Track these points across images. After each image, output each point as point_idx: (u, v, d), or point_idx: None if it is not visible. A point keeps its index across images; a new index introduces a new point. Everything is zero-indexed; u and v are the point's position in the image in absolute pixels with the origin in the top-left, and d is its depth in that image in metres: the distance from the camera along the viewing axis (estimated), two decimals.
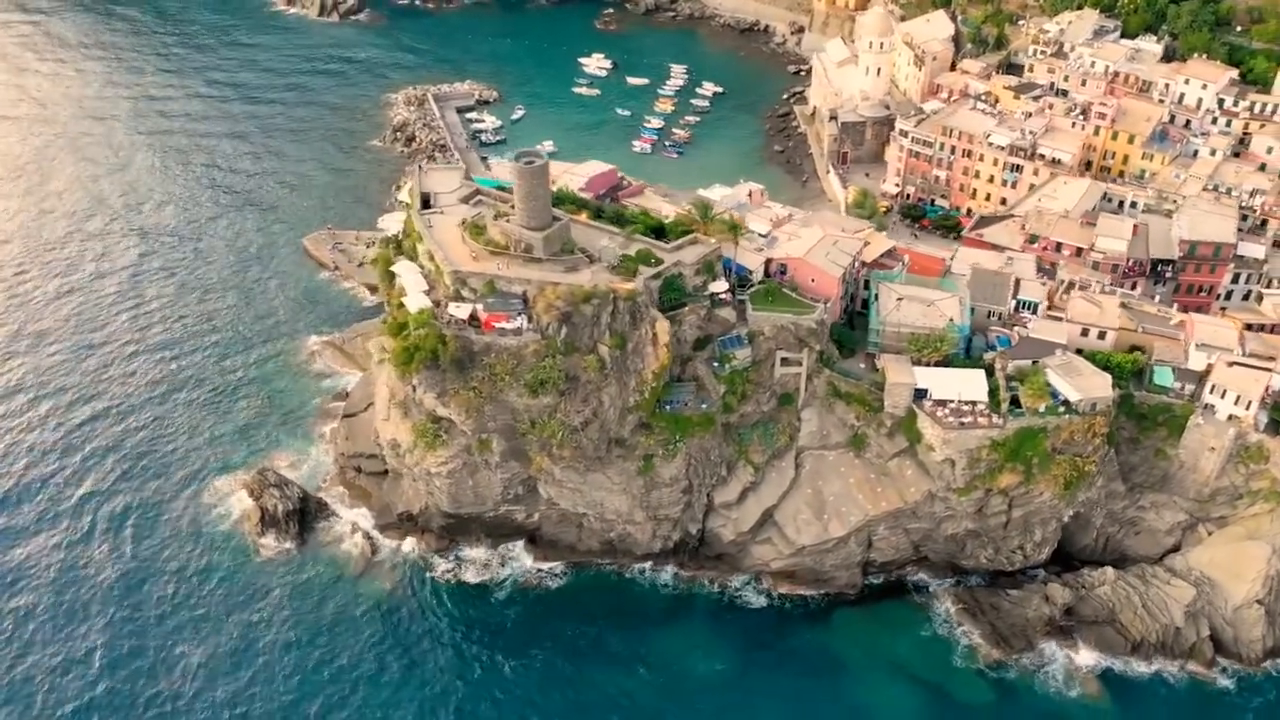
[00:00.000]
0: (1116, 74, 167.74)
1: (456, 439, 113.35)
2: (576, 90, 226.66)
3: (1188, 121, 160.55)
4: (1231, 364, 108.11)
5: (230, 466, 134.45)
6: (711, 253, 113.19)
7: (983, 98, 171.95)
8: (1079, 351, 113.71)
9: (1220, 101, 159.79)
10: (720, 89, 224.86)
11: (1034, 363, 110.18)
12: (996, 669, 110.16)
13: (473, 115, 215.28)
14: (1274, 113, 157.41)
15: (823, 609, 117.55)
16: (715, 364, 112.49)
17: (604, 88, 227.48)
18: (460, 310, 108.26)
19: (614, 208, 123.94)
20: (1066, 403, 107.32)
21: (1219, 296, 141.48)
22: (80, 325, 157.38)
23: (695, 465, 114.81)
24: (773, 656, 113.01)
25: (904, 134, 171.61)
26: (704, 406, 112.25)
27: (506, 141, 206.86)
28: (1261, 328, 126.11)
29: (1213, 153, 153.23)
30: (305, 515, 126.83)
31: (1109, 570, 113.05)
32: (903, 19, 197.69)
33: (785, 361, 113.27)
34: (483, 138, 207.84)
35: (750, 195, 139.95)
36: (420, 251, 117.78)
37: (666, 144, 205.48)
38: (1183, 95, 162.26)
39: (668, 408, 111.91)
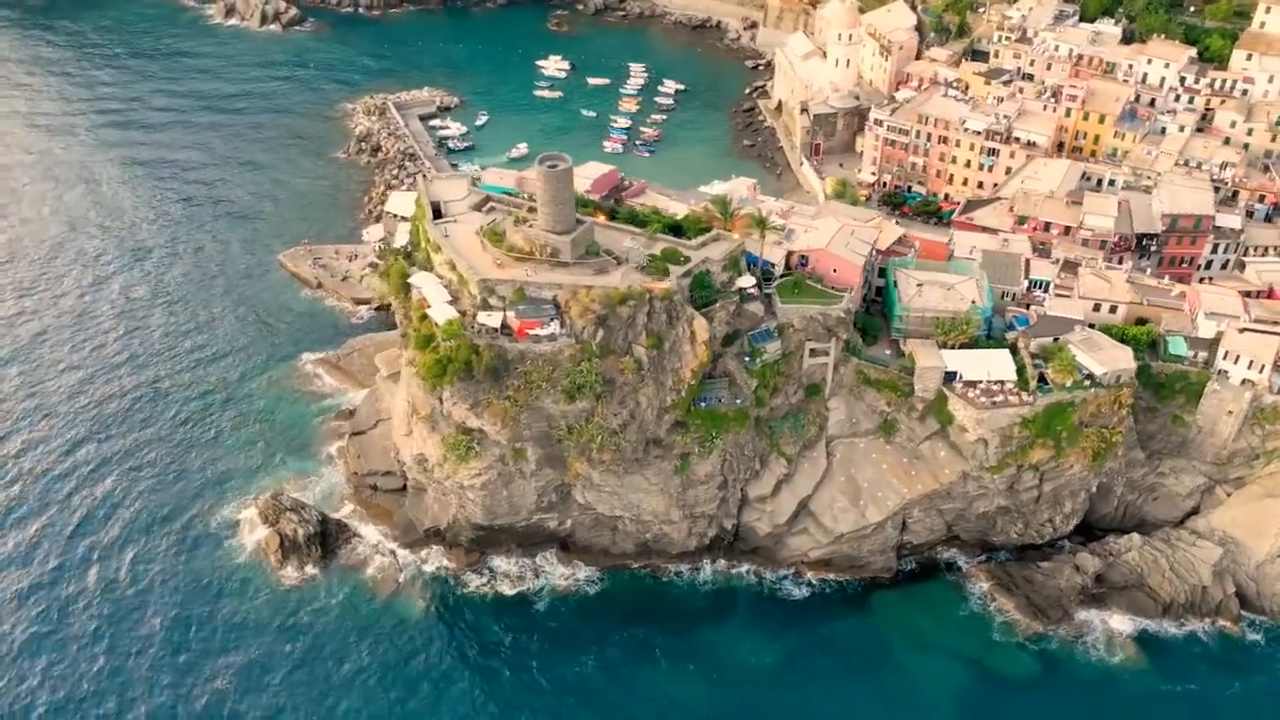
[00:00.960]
0: (1081, 57, 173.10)
1: (490, 450, 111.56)
2: (538, 93, 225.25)
3: (1153, 100, 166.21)
4: (1242, 330, 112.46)
5: (236, 495, 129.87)
6: (736, 248, 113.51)
7: (954, 84, 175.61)
8: (1091, 326, 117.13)
9: (1182, 79, 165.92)
10: (682, 86, 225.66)
11: (1055, 339, 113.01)
12: (1037, 641, 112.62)
13: (436, 122, 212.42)
14: (1233, 88, 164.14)
15: (860, 595, 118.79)
16: (746, 358, 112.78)
17: (565, 89, 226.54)
18: (491, 319, 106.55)
19: (627, 208, 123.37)
20: (1091, 376, 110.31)
21: (1199, 267, 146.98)
22: (52, 357, 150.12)
23: (730, 461, 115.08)
24: (818, 645, 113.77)
25: (879, 123, 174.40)
26: (738, 401, 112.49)
27: (474, 148, 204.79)
28: (1248, 294, 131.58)
29: (1181, 129, 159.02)
30: (326, 538, 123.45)
31: (1135, 536, 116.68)
32: (862, 11, 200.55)
33: (813, 352, 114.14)
34: (450, 144, 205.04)
35: (748, 190, 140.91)
36: (437, 261, 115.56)
37: (637, 143, 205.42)
38: (1146, 75, 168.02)
39: (702, 405, 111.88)
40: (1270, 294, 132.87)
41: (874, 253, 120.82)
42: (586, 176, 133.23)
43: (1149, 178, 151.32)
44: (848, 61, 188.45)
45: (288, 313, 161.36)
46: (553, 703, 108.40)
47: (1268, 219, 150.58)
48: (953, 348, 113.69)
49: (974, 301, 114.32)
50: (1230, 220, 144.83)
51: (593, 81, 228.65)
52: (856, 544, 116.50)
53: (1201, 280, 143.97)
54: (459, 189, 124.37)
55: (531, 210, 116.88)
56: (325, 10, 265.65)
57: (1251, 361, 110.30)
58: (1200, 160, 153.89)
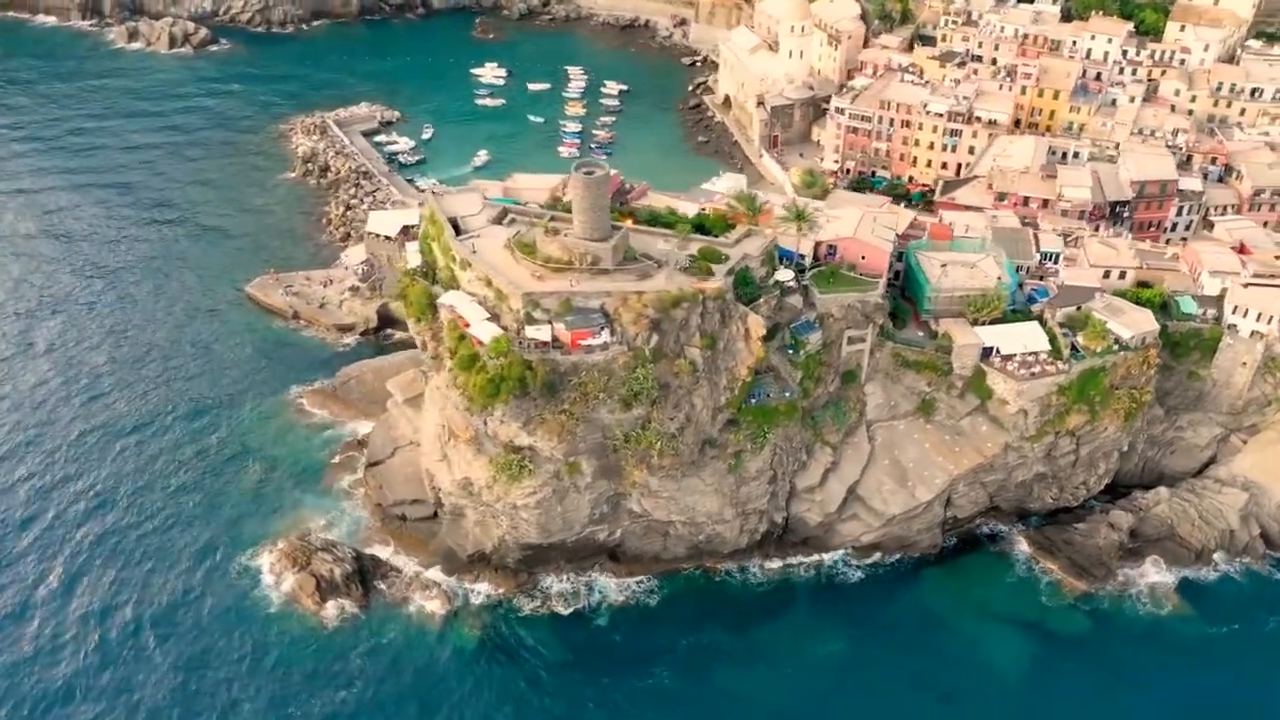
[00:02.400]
0: (1026, 36, 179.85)
1: (543, 466, 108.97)
2: (479, 102, 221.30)
3: (1098, 74, 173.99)
4: (1246, 285, 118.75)
5: (252, 541, 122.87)
6: (771, 243, 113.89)
7: (909, 69, 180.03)
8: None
9: (1124, 52, 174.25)
10: (625, 87, 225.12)
11: (1078, 308, 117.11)
12: (1086, 600, 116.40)
13: (381, 138, 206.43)
14: (1171, 59, 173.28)
15: (911, 573, 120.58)
16: (790, 351, 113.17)
17: (506, 97, 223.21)
18: (540, 333, 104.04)
19: (647, 210, 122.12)
20: (1118, 340, 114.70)
21: (1166, 230, 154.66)
22: (24, 417, 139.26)
23: (779, 454, 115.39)
24: (881, 627, 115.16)
25: (840, 111, 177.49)
26: (786, 395, 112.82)
27: (426, 161, 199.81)
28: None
29: (1131, 100, 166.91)
30: (364, 575, 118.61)
31: (1162, 490, 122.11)
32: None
33: (851, 340, 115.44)
34: (400, 160, 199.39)
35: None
36: (465, 279, 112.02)
37: (592, 146, 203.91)
38: (1090, 50, 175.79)
39: (752, 401, 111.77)
40: (1241, 250, 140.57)
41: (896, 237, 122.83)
42: None
43: (1110, 148, 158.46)
44: (801, 53, 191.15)
45: (267, 346, 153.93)
46: (634, 716, 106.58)
47: (1220, 180, 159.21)
48: (982, 324, 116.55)
49: (999, 278, 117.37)
50: (1192, 183, 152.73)
51: (533, 87, 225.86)
52: (906, 524, 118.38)
53: (1167, 242, 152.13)
54: (473, 203, 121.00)
55: (554, 219, 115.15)
56: (236, 30, 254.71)
57: (1260, 314, 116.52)
58: (1153, 128, 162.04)
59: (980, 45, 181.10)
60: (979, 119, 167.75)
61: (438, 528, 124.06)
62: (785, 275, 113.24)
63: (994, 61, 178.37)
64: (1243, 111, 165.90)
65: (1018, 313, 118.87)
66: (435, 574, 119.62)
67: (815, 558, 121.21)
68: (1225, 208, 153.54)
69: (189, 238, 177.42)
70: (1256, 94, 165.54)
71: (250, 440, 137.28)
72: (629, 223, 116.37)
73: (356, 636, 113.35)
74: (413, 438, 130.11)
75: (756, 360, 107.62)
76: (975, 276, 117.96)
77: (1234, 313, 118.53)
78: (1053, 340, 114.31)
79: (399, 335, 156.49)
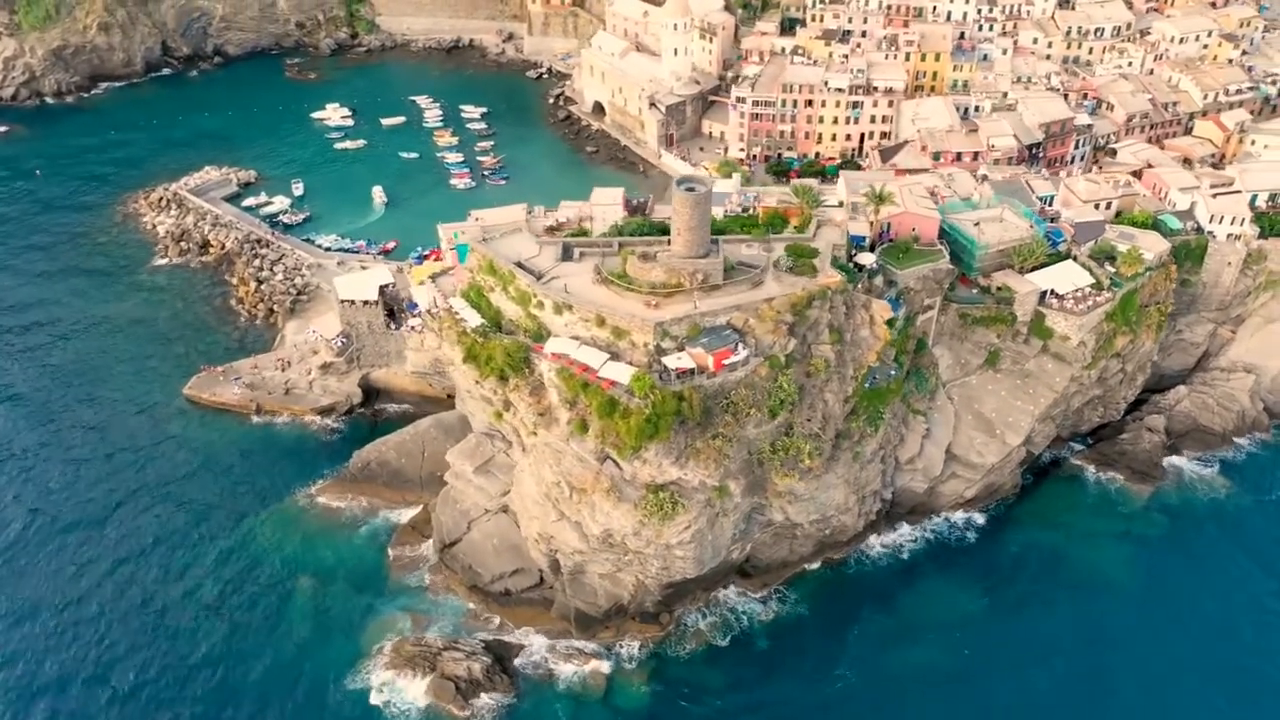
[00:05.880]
0: (891, 6, 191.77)
1: (694, 498, 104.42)
2: (338, 146, 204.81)
3: (962, 33, 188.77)
4: (1215, 195, 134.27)
5: (351, 662, 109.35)
6: (845, 230, 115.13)
7: (797, 52, 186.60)
8: None
9: (979, 11, 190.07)
10: (485, 109, 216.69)
11: (1095, 241, 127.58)
12: (1155, 499, 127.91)
13: (250, 202, 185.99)
14: (1020, 11, 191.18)
15: (1004, 515, 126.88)
16: None
17: (364, 136, 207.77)
18: (683, 361, 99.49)
19: None
20: None
21: (1068, 163, 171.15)
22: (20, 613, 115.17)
23: (887, 433, 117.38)
24: (1004, 572, 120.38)
25: (742, 100, 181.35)
26: (891, 373, 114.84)
27: (313, 218, 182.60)
28: (1137, 173, 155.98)
29: (1004, 52, 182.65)
30: (501, 662, 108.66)
31: (1181, 388, 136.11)
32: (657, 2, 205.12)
33: (926, 308, 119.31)
34: (284, 221, 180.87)
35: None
36: (562, 323, 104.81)
37: (485, 173, 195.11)
38: (950, 13, 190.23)
39: (867, 385, 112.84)
40: (1149, 166, 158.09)
41: None
42: (615, 203, 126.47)
43: (1000, 97, 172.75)
44: (686, 50, 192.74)
45: (242, 450, 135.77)
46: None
47: (1093, 113, 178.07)
48: (1024, 272, 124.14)
49: (1031, 226, 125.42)
50: (1084, 119, 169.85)
51: (387, 123, 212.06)
52: (999, 471, 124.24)
53: (1069, 174, 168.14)
54: (529, 244, 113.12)
55: (624, 244, 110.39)
56: (3, 108, 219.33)
57: (1233, 218, 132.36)
58: (1029, 75, 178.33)
59: (850, 20, 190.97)
60: (877, 89, 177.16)
61: (549, 594, 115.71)
62: (867, 258, 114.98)
63: (864, 34, 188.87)
64: (1091, 50, 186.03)
65: (1050, 255, 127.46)
66: (573, 641, 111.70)
67: (920, 524, 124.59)
68: (1108, 136, 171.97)
69: (84, 354, 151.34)
70: (1099, 33, 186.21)
71: (284, 557, 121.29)
72: None
73: None
74: (488, 506, 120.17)
75: (885, 344, 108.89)
76: (1009, 229, 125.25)
77: (1211, 220, 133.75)
78: (1090, 273, 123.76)
79: (393, 408, 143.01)
